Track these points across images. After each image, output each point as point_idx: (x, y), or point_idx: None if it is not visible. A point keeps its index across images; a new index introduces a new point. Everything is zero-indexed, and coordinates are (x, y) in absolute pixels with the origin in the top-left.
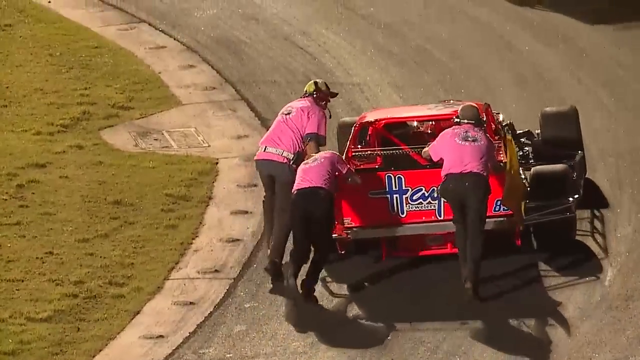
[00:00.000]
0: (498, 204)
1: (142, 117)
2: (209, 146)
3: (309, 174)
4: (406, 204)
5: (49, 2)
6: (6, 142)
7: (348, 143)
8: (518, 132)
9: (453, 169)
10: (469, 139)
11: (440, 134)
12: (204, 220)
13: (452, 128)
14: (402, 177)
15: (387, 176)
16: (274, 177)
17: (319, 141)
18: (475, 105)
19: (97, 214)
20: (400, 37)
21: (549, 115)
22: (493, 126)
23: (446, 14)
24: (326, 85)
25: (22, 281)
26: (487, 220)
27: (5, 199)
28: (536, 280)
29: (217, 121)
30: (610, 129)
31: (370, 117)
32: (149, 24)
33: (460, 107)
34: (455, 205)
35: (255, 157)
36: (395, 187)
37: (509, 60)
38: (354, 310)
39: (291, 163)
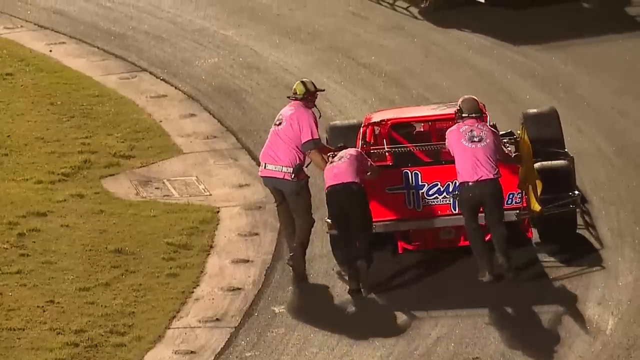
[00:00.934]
0: (510, 196)
1: (143, 166)
2: (210, 195)
3: (339, 171)
4: (422, 199)
5: (50, 51)
6: (7, 190)
7: (357, 142)
8: (501, 133)
9: (467, 177)
10: (475, 139)
11: (447, 132)
12: (205, 269)
13: (456, 126)
14: (418, 173)
15: (404, 172)
16: (280, 190)
17: (317, 146)
18: (475, 98)
19: (98, 262)
20: (401, 85)
21: (531, 116)
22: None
23: (447, 63)
24: (313, 84)
25: (23, 330)
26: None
27: (6, 248)
28: (538, 329)
29: (218, 170)
30: (611, 178)
31: (377, 117)
32: (150, 73)
33: (460, 101)
34: (474, 210)
35: (259, 173)
36: (412, 183)
37: (510, 109)
38: (373, 302)
39: (292, 177)
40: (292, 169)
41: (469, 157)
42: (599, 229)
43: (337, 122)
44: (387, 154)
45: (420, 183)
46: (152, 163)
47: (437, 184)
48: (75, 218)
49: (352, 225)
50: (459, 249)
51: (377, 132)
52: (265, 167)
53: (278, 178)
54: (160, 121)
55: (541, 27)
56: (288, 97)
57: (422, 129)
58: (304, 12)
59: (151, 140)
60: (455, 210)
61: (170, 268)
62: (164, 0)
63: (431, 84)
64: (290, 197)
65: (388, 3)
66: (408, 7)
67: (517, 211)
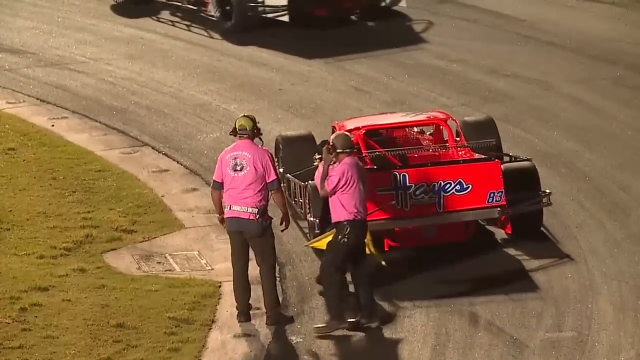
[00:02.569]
0: (491, 195)
1: (145, 241)
2: (212, 269)
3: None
4: (410, 199)
5: (53, 125)
6: (9, 265)
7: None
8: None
9: (353, 216)
10: (353, 182)
11: (337, 168)
12: (207, 343)
13: (341, 162)
14: (406, 174)
15: (393, 174)
16: (242, 233)
17: (280, 184)
18: (349, 134)
19: (100, 337)
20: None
21: (469, 124)
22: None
23: None
24: (253, 116)
25: None
26: (482, 210)
27: (8, 323)
28: None
29: (220, 244)
30: (612, 253)
31: (350, 125)
32: (152, 148)
33: (334, 137)
34: (353, 251)
35: (225, 215)
36: (400, 184)
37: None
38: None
39: (258, 218)
40: (257, 210)
41: (357, 196)
42: (600, 304)
43: (288, 133)
44: (365, 158)
45: (407, 184)
46: (154, 238)
47: (423, 185)
48: (77, 292)
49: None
50: (440, 245)
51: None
52: (230, 208)
53: (244, 219)
54: (162, 196)
55: None
56: (235, 134)
57: (390, 135)
58: (305, 87)
59: (153, 214)
60: (440, 210)
61: (172, 342)
62: (166, 76)
63: None
64: (255, 240)
65: None
66: None
67: (499, 209)
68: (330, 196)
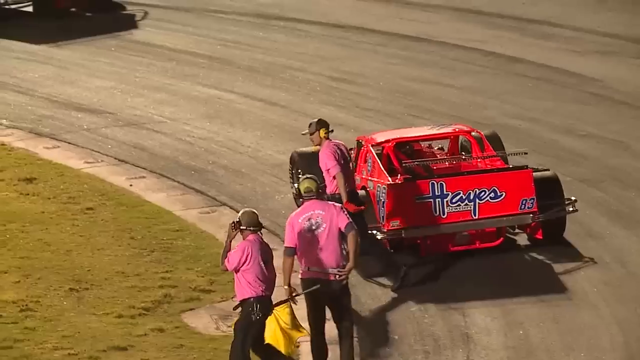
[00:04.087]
0: (524, 202)
1: (224, 300)
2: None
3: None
4: (447, 206)
5: (131, 185)
6: (88, 325)
7: (358, 162)
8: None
9: (259, 292)
10: (254, 259)
11: (239, 244)
12: None
13: (245, 239)
14: (443, 183)
15: (431, 183)
16: (324, 293)
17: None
18: (255, 211)
19: None
20: None
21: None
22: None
23: None
24: (315, 176)
25: None
26: (515, 216)
27: None
28: None
29: (298, 304)
30: None
31: (380, 137)
32: (230, 207)
33: (241, 213)
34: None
35: (301, 276)
36: (438, 192)
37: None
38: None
39: (338, 276)
40: (337, 268)
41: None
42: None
43: (304, 149)
44: (398, 169)
45: (445, 192)
46: (232, 297)
47: (459, 193)
48: (155, 352)
49: None
50: (473, 251)
51: (378, 151)
52: (309, 269)
53: (324, 279)
54: None
55: None
56: (300, 197)
57: (414, 148)
58: None
59: (231, 274)
60: (475, 216)
61: None
62: (243, 136)
63: None
64: (335, 298)
65: None
66: None
67: (531, 215)
68: (235, 273)
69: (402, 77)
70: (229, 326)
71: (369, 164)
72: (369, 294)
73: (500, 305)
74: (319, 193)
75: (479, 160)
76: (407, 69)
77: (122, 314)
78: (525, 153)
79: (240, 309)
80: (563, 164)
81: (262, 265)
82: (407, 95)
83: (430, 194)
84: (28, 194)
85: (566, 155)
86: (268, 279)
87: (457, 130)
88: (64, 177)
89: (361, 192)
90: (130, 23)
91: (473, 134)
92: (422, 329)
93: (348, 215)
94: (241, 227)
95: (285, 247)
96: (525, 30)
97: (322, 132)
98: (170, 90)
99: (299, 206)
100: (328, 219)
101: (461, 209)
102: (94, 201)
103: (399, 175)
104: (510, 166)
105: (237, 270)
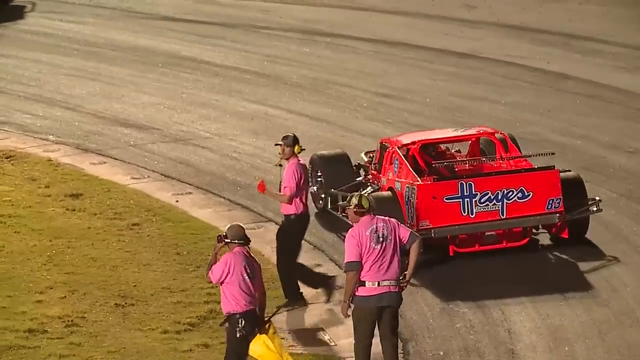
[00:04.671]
0: (550, 202)
1: (267, 315)
2: (336, 345)
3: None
4: (475, 206)
5: (177, 201)
6: (133, 340)
7: (383, 163)
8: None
9: (244, 307)
10: (238, 272)
11: (223, 257)
12: None
13: (230, 252)
14: (472, 183)
15: (460, 183)
16: (386, 307)
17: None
18: (242, 225)
19: None
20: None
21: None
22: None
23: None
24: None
25: None
26: (542, 216)
27: None
28: None
29: (343, 320)
30: None
31: (406, 139)
32: (276, 224)
33: (228, 227)
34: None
35: (369, 293)
36: (467, 192)
37: None
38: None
39: (399, 288)
40: (398, 280)
41: None
42: None
43: (324, 152)
44: (425, 170)
45: (473, 192)
46: (278, 313)
47: (487, 193)
48: None
49: None
50: (500, 250)
51: (405, 152)
52: (379, 284)
53: (391, 292)
54: None
55: None
56: (362, 213)
57: (437, 150)
58: None
59: (277, 290)
60: (503, 216)
61: None
62: None
63: None
64: (392, 312)
65: None
66: None
67: (558, 214)
68: (220, 285)
69: (448, 93)
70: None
71: (396, 166)
72: (414, 310)
73: (545, 319)
74: (370, 209)
75: (503, 161)
76: (454, 85)
77: (168, 329)
78: (553, 154)
79: (227, 324)
80: (610, 181)
81: (247, 278)
82: (453, 111)
83: (459, 194)
84: (74, 210)
85: (613, 171)
86: (253, 293)
87: (481, 132)
88: (110, 193)
89: (387, 193)
90: (176, 39)
91: (497, 135)
92: (468, 345)
93: (407, 226)
94: (226, 241)
95: (350, 262)
96: (572, 47)
97: (297, 148)
98: (217, 106)
99: (321, 210)
100: (391, 231)
101: (489, 209)
102: (140, 217)
103: (426, 175)
104: (537, 167)
105: (221, 283)
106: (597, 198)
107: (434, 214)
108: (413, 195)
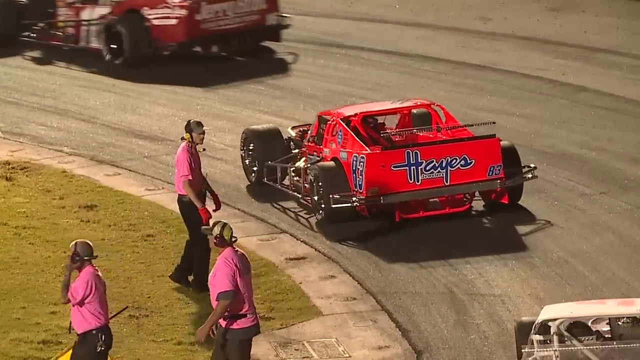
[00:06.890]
0: (492, 169)
1: (283, 327)
2: (350, 357)
3: (104, 307)
4: (421, 174)
5: None
6: (147, 352)
7: (325, 135)
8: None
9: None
10: (97, 288)
11: (81, 277)
12: None
13: (85, 271)
14: (418, 152)
15: (407, 152)
16: None
17: None
18: (89, 242)
19: None
20: (542, 249)
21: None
22: None
23: (588, 227)
24: None
25: None
26: (484, 182)
27: None
28: None
29: (358, 332)
30: None
31: (348, 111)
32: (290, 235)
33: (79, 245)
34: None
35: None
36: (413, 160)
37: None
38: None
39: None
40: None
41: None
42: None
43: (257, 126)
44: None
45: (419, 160)
46: (292, 324)
47: (432, 161)
48: None
49: None
50: (443, 215)
51: (347, 124)
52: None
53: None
54: (300, 283)
55: None
56: (229, 243)
57: (379, 121)
58: None
59: (291, 301)
60: (447, 183)
61: None
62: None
63: (572, 249)
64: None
65: None
66: None
67: (499, 181)
68: (73, 305)
69: (467, 106)
70: (290, 354)
71: (339, 137)
72: (429, 322)
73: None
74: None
75: (441, 131)
76: (472, 98)
77: (182, 340)
78: (493, 123)
79: (82, 344)
80: (626, 193)
81: (104, 295)
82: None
83: (406, 162)
84: (89, 221)
85: (631, 184)
86: (107, 308)
87: (418, 103)
88: (124, 204)
89: (332, 163)
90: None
91: (433, 106)
92: (482, 357)
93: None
94: (81, 258)
95: (229, 290)
96: (590, 59)
97: (187, 136)
98: (231, 117)
99: (253, 183)
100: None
101: (434, 176)
102: (155, 228)
103: (370, 145)
104: (478, 135)
105: (81, 304)
106: (532, 165)
107: (382, 181)
108: (361, 164)
